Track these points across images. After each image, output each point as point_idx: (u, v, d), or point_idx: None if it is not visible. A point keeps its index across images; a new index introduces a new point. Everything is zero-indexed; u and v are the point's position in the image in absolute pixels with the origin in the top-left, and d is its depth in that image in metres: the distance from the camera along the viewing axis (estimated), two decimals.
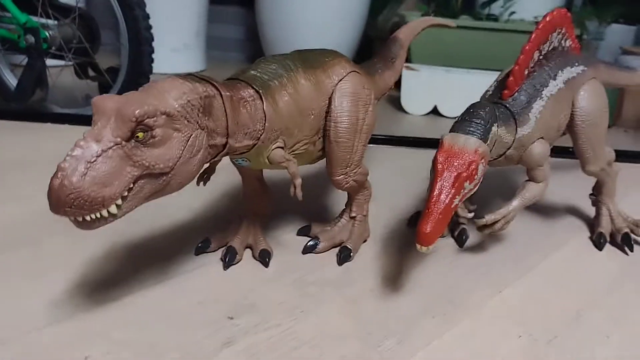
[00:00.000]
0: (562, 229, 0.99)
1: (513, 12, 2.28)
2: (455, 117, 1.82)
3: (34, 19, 1.52)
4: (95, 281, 0.74)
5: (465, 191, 0.68)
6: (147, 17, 1.58)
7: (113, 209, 0.54)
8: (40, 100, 1.55)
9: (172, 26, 2.28)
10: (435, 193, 0.66)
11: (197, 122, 0.58)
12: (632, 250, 0.91)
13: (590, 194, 0.98)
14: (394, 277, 0.79)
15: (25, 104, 1.51)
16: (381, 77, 0.89)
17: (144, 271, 0.76)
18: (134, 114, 0.52)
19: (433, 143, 1.48)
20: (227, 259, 0.78)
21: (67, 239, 0.83)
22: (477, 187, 0.70)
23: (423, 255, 0.85)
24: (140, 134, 0.54)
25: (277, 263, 0.81)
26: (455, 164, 0.67)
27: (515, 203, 0.81)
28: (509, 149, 0.78)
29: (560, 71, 0.82)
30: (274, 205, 0.90)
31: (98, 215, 0.53)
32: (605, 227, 0.94)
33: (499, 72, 1.88)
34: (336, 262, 0.82)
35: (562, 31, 0.84)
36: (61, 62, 1.61)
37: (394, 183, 1.16)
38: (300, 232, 0.89)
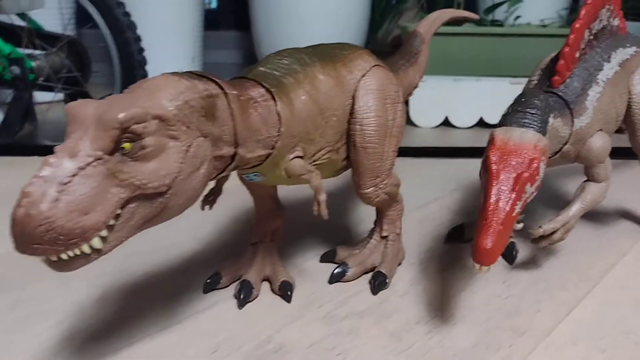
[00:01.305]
0: (619, 235, 0.87)
1: (518, 17, 2.20)
2: (468, 127, 1.75)
3: (20, 49, 1.43)
4: (87, 331, 0.61)
5: (527, 195, 0.56)
6: (139, 39, 1.49)
7: (97, 242, 0.42)
8: (30, 134, 1.45)
9: (167, 53, 2.19)
10: (492, 200, 0.54)
11: (198, 128, 0.47)
12: None
13: None
14: (441, 305, 0.67)
15: (14, 139, 1.40)
16: (405, 74, 0.78)
17: (144, 315, 0.64)
18: (117, 118, 0.41)
19: (453, 152, 1.37)
20: (242, 296, 0.65)
21: (53, 282, 0.71)
22: (537, 191, 0.59)
23: (470, 276, 0.73)
24: (126, 145, 0.42)
25: (300, 296, 0.68)
26: (513, 163, 0.56)
27: (575, 208, 0.69)
28: (565, 144, 0.67)
29: (613, 52, 0.71)
30: (290, 228, 0.78)
31: (77, 251, 0.41)
32: None
33: (508, 79, 1.77)
34: (370, 291, 0.70)
35: (611, 8, 0.73)
36: (51, 95, 1.51)
37: (419, 195, 1.04)
38: (324, 258, 0.76)
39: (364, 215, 0.93)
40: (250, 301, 0.67)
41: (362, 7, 2.26)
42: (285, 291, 0.67)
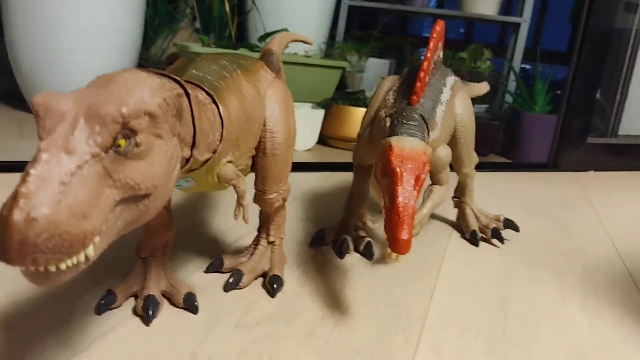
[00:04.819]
0: (435, 233, 1.04)
1: (287, 46, 2.38)
2: None
3: None
4: None
5: (420, 194, 0.66)
6: None
7: (90, 250, 0.37)
8: None
9: None
10: (400, 199, 0.62)
11: (172, 128, 0.44)
12: (502, 243, 1.00)
13: (453, 197, 1.05)
14: (334, 302, 0.72)
15: None
16: None
17: (41, 348, 0.55)
18: (120, 112, 0.37)
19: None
20: (150, 312, 0.61)
21: None
22: None
23: (344, 274, 0.80)
24: (122, 141, 0.38)
25: (203, 308, 0.66)
26: (410, 166, 0.65)
27: (428, 206, 0.82)
28: None
29: (445, 79, 0.87)
30: None
31: (75, 260, 0.36)
32: (475, 225, 1.01)
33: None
34: (267, 294, 0.71)
35: (441, 44, 0.89)
36: None
37: None
38: (211, 268, 0.75)
39: (226, 227, 0.93)
40: (155, 317, 0.63)
41: (134, 23, 2.18)
42: (191, 303, 0.64)
